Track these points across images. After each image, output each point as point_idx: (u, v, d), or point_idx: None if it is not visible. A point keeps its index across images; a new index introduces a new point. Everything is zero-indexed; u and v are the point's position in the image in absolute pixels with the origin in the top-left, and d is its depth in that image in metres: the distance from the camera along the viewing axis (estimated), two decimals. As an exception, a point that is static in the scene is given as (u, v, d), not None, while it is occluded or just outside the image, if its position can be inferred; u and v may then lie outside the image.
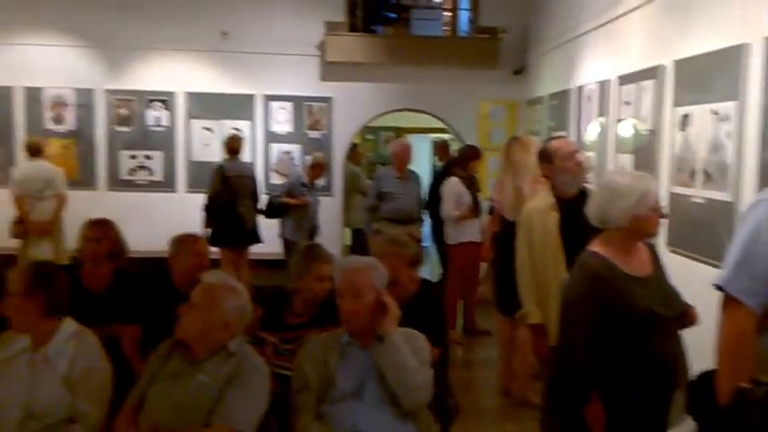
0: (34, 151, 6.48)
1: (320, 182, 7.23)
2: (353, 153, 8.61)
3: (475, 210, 5.91)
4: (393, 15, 8.74)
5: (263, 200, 6.85)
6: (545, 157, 3.47)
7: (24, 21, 7.58)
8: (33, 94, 7.66)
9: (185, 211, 6.95)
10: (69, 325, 2.62)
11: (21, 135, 7.52)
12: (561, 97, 6.24)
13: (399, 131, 10.53)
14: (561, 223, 3.29)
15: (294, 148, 8.00)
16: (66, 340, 2.57)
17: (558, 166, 3.37)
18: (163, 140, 7.85)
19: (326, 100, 7.97)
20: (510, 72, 7.80)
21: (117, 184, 7.84)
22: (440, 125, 8.69)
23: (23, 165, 6.66)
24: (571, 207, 3.17)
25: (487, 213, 5.51)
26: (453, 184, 5.95)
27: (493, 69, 7.75)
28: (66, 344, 2.56)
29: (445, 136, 9.59)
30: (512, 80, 7.83)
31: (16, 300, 2.52)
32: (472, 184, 6.04)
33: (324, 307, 3.04)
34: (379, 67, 7.88)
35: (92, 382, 2.54)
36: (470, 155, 6.24)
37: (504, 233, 4.34)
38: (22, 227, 6.33)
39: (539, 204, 3.46)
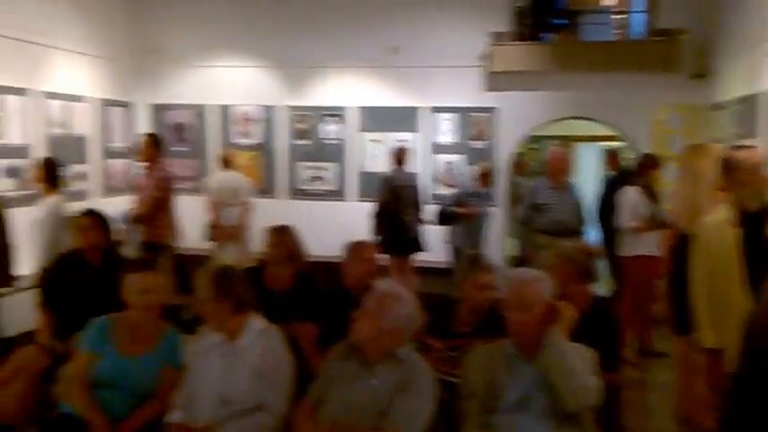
0: (226, 163, 7.17)
1: (488, 191, 7.18)
2: (518, 163, 8.54)
3: (652, 221, 5.63)
4: (562, 22, 8.57)
5: (432, 209, 7.02)
6: (727, 167, 3.25)
7: (218, 45, 8.42)
8: (224, 111, 8.49)
9: (355, 219, 7.30)
10: (257, 322, 2.91)
11: (213, 148, 8.36)
12: (749, 102, 5.78)
13: (566, 140, 10.25)
14: (742, 240, 3.08)
15: (458, 159, 8.12)
16: (254, 335, 2.85)
17: (740, 178, 3.15)
18: (336, 152, 8.33)
19: (491, 110, 8.00)
20: (688, 76, 7.34)
21: (295, 193, 8.44)
22: (609, 133, 8.37)
23: (216, 175, 7.38)
24: (754, 223, 2.96)
25: (666, 226, 5.23)
26: (630, 194, 5.73)
27: (670, 73, 7.34)
28: (254, 339, 2.84)
29: (615, 144, 9.21)
30: (690, 84, 7.36)
31: (206, 304, 2.85)
32: (650, 195, 5.77)
33: (489, 316, 3.09)
34: (546, 75, 7.76)
35: (277, 375, 2.79)
36: (649, 164, 5.96)
37: (679, 247, 4.11)
38: (215, 231, 7.02)
39: (718, 218, 3.26)
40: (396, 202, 6.82)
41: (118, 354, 2.99)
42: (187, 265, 6.51)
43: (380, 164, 7.82)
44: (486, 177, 6.88)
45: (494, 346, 2.66)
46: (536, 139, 10.33)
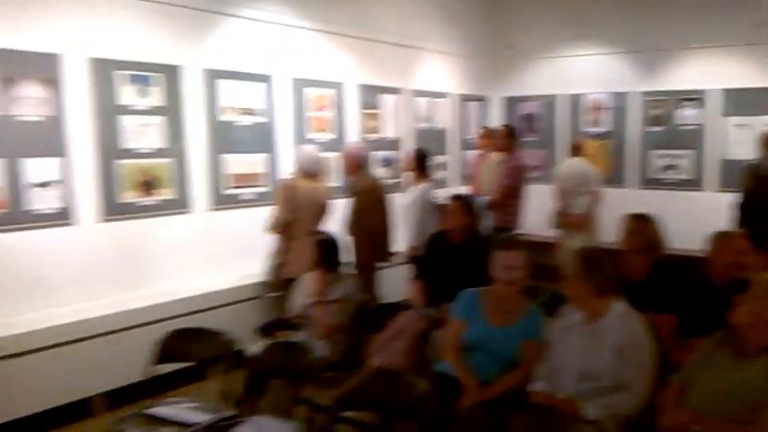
0: (576, 151, 7.24)
1: None
2: None
3: None
4: None
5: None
6: None
7: (567, 36, 8.52)
8: (574, 100, 8.57)
9: (713, 211, 6.73)
10: (619, 305, 2.97)
11: (562, 138, 8.50)
12: None
13: None
14: None
15: None
16: (615, 317, 2.92)
17: None
18: (694, 139, 7.80)
19: None
20: None
21: (645, 182, 8.14)
22: None
23: (566, 162, 7.50)
24: None
25: None
26: None
27: None
28: (615, 320, 2.91)
29: None
30: None
31: (572, 281, 2.98)
32: None
33: None
34: None
35: (638, 356, 2.81)
36: None
37: None
38: (562, 219, 7.14)
39: None
40: (762, 193, 6.11)
41: (484, 322, 3.33)
42: (533, 251, 6.79)
43: (746, 151, 7.09)
44: None
45: None
46: None
